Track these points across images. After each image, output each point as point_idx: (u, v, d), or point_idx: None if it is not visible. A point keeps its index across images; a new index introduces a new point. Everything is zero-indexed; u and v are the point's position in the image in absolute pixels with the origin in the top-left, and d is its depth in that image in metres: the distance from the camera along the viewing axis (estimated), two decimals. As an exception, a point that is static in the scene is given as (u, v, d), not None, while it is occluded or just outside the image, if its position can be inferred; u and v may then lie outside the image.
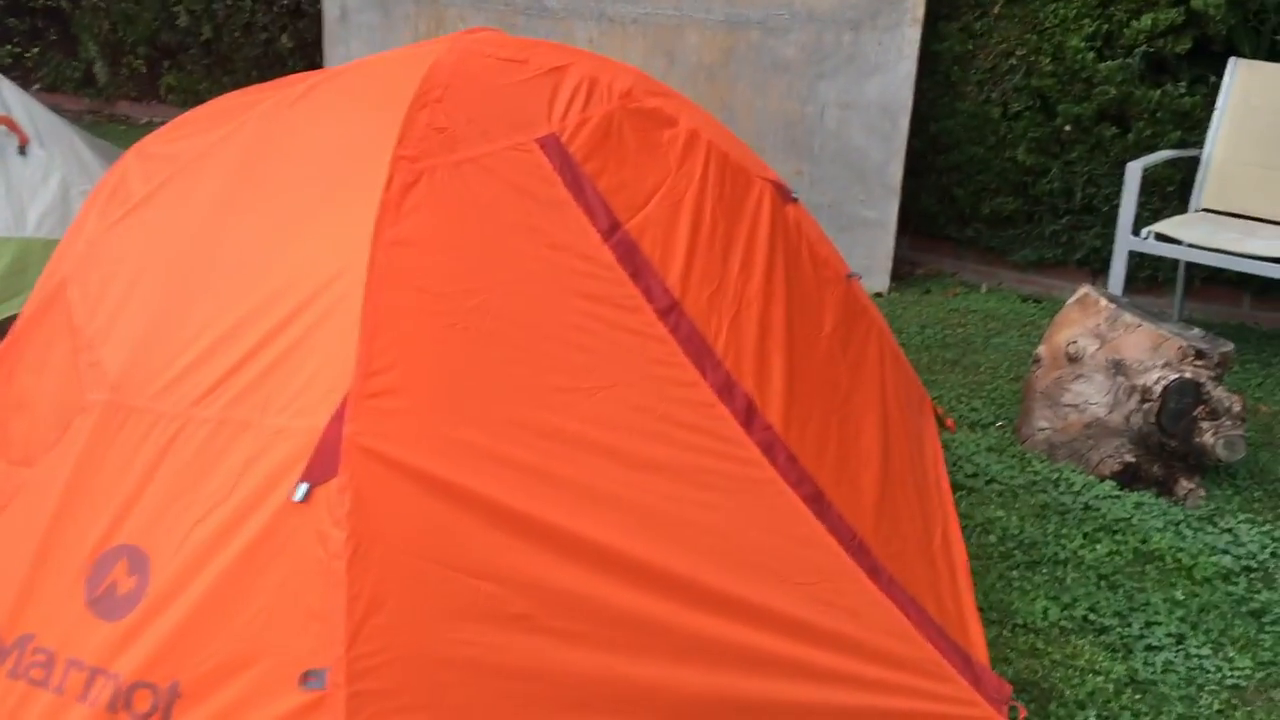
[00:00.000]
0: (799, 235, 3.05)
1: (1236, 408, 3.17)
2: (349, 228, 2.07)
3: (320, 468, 1.86)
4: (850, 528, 2.42)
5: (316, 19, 5.91)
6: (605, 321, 2.30)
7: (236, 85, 6.39)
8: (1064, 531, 3.04)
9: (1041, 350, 3.43)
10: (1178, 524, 3.09)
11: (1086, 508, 3.15)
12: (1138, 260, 4.39)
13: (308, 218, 2.12)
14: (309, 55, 6.02)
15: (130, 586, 1.92)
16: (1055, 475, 3.30)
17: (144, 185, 2.30)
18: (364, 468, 1.86)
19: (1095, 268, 4.62)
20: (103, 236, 2.19)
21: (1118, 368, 3.22)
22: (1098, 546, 2.99)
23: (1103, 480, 3.27)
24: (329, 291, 2.00)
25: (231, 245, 2.12)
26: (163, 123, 2.62)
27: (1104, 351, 3.24)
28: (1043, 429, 3.38)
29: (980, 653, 2.51)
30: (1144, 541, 3.01)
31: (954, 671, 2.35)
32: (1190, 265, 4.34)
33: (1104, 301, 3.27)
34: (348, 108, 2.28)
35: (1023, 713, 2.39)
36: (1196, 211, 4.15)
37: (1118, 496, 3.21)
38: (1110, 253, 4.56)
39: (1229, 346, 3.23)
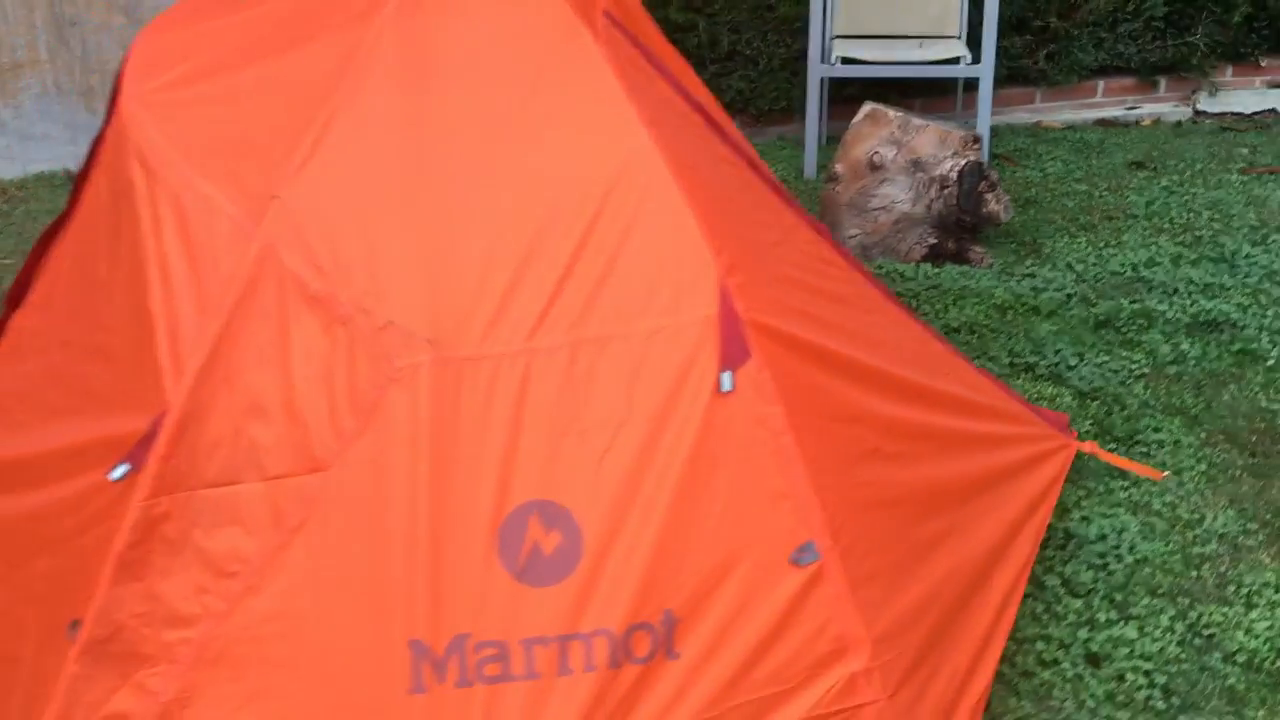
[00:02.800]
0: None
1: (997, 177, 3.86)
2: (599, 116, 1.93)
3: (733, 353, 1.81)
4: (920, 323, 2.72)
5: None
6: (746, 177, 2.35)
7: None
8: (936, 308, 3.55)
9: (838, 168, 3.87)
10: (996, 280, 3.75)
11: (931, 287, 3.70)
12: (788, 88, 4.98)
13: (538, 116, 1.93)
14: None
15: (557, 542, 1.74)
16: (882, 270, 3.81)
17: (273, 126, 1.90)
18: (764, 343, 1.84)
19: (739, 106, 5.13)
20: (292, 192, 1.80)
21: (916, 165, 3.77)
22: (966, 310, 3.55)
23: (918, 265, 3.84)
24: (624, 186, 1.88)
25: (464, 161, 1.87)
26: None
27: (902, 154, 3.77)
28: (853, 235, 3.85)
29: (1019, 399, 2.96)
30: (991, 297, 3.62)
31: (1035, 416, 2.78)
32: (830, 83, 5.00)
33: (892, 113, 3.78)
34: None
35: (1074, 435, 2.89)
36: (833, 39, 4.79)
37: (939, 272, 3.80)
38: (754, 90, 5.12)
39: (975, 131, 3.91)
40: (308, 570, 1.74)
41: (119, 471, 1.78)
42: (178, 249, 1.85)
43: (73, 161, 4.70)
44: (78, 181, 2.45)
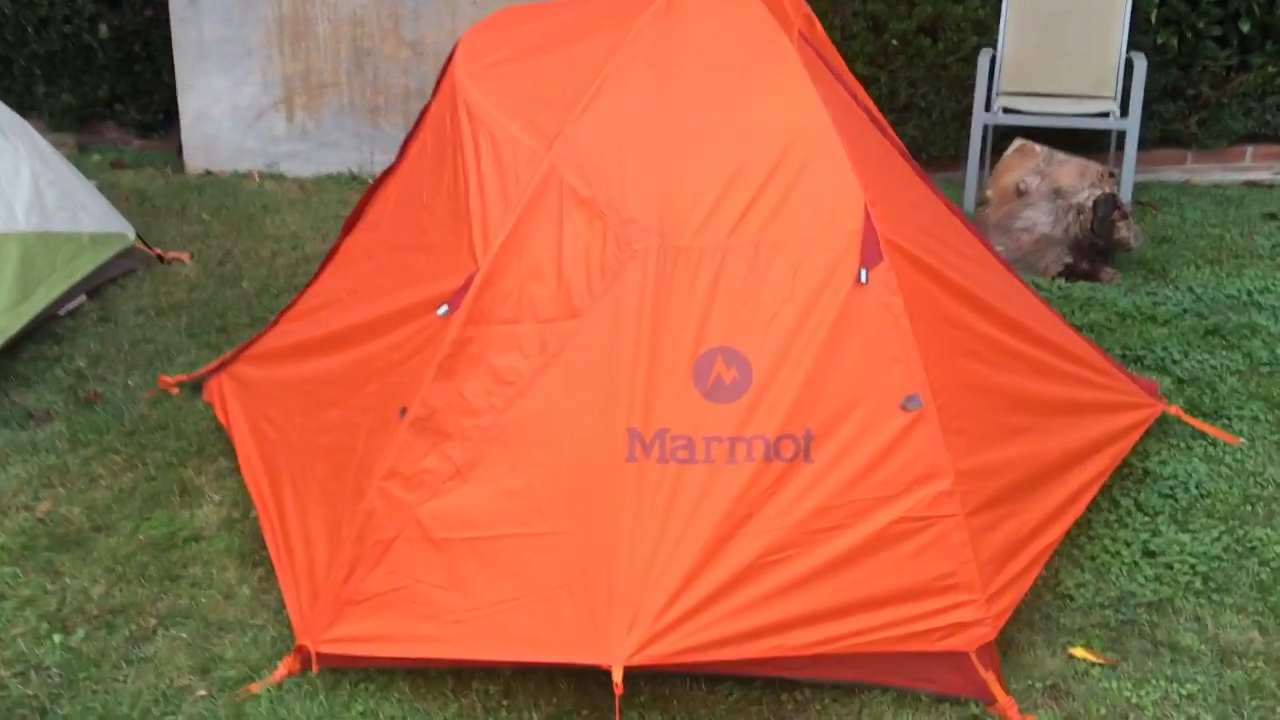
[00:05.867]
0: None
1: (1129, 208, 4.46)
2: (790, 94, 2.71)
3: (870, 256, 2.53)
4: (1034, 293, 3.37)
5: (138, 6, 5.82)
6: (896, 160, 3.08)
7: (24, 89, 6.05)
8: (1064, 310, 4.16)
9: (989, 193, 4.55)
10: (1121, 294, 4.34)
11: (1063, 296, 4.32)
12: (956, 138, 5.66)
13: (745, 90, 2.73)
14: (127, 45, 5.89)
15: (734, 375, 2.49)
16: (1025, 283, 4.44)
17: (561, 90, 2.75)
18: (892, 254, 2.56)
19: (912, 152, 5.83)
20: (572, 131, 2.64)
21: (1057, 194, 4.41)
22: (1091, 314, 4.16)
23: (1054, 279, 4.46)
24: (803, 142, 2.64)
25: (691, 117, 2.69)
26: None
27: (1045, 183, 4.42)
28: (999, 251, 4.50)
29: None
30: (1114, 306, 4.22)
31: (1127, 378, 3.39)
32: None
33: (1039, 148, 4.45)
34: (708, 10, 2.84)
35: (1163, 400, 3.47)
36: (998, 95, 5.47)
37: (1072, 286, 4.41)
38: (926, 138, 5.83)
39: (1110, 168, 4.53)
40: (562, 382, 2.53)
41: (442, 310, 2.62)
42: (491, 167, 2.71)
43: (357, 165, 5.76)
44: (405, 143, 3.36)
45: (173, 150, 5.97)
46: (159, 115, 6.12)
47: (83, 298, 4.37)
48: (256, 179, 5.72)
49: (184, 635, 2.77)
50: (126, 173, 5.78)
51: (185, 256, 4.79)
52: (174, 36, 5.62)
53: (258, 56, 5.62)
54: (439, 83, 3.21)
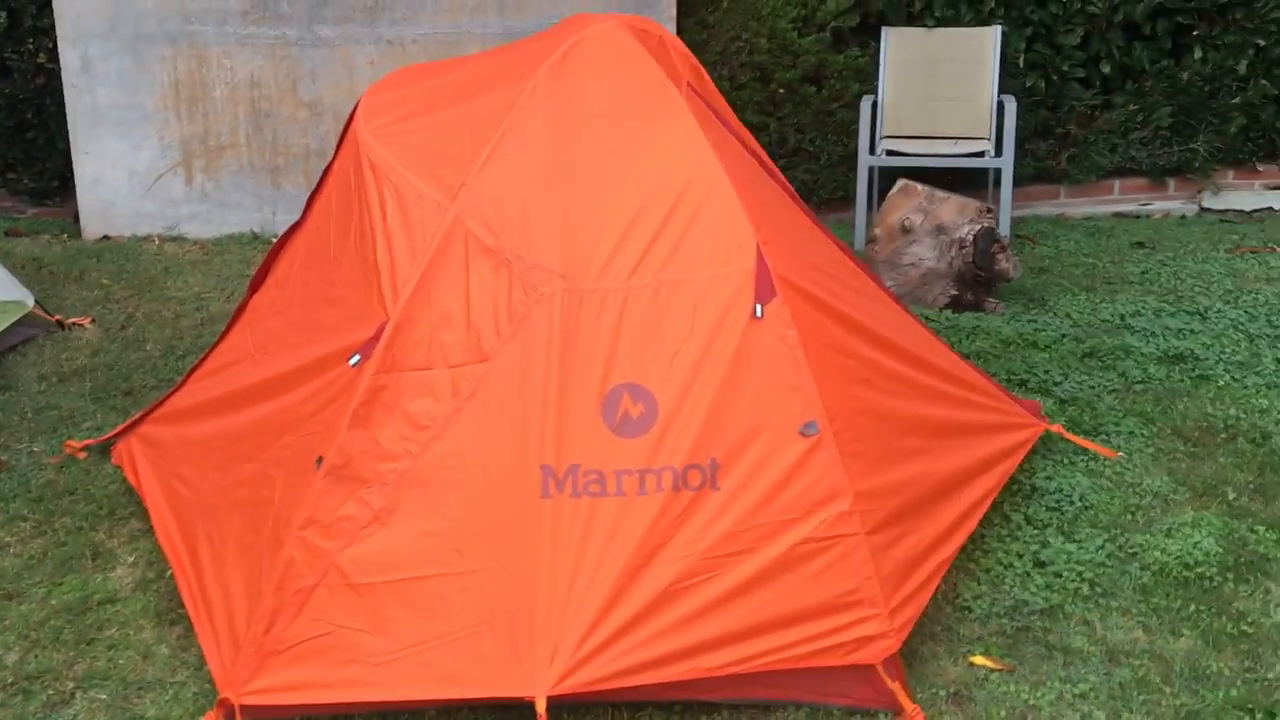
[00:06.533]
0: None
1: (1007, 240, 4.70)
2: (682, 142, 2.85)
3: (764, 292, 2.67)
4: (920, 322, 3.54)
5: (29, 75, 5.79)
6: (785, 201, 3.24)
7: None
8: (951, 340, 4.36)
9: (876, 231, 4.75)
10: (1004, 323, 4.56)
11: (950, 326, 4.52)
12: (844, 180, 5.89)
13: (639, 140, 2.86)
14: (18, 113, 5.85)
15: (640, 410, 2.60)
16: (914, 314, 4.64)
17: (462, 144, 2.85)
18: (785, 289, 2.70)
19: (802, 195, 6.04)
20: (474, 182, 2.74)
21: (940, 230, 4.63)
22: (977, 342, 4.36)
23: (941, 310, 4.66)
24: (696, 187, 2.78)
25: (588, 166, 2.81)
26: None
27: (928, 221, 4.64)
28: (888, 286, 4.69)
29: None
30: (998, 334, 4.43)
31: (1011, 399, 3.57)
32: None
33: (920, 187, 4.67)
34: (600, 64, 2.97)
35: (1046, 420, 3.66)
36: (881, 138, 5.71)
37: (958, 317, 4.62)
38: (816, 181, 6.05)
39: (988, 205, 4.77)
40: (475, 425, 2.62)
41: (354, 359, 2.69)
42: (398, 220, 2.79)
43: (259, 225, 5.78)
44: (309, 200, 3.43)
45: (69, 217, 5.93)
46: (53, 182, 6.08)
47: (-18, 367, 4.34)
48: (156, 242, 5.70)
49: (103, 697, 2.77)
50: (22, 240, 5.73)
51: (86, 321, 4.77)
52: (68, 103, 5.60)
53: (154, 120, 5.63)
54: (341, 140, 3.29)
